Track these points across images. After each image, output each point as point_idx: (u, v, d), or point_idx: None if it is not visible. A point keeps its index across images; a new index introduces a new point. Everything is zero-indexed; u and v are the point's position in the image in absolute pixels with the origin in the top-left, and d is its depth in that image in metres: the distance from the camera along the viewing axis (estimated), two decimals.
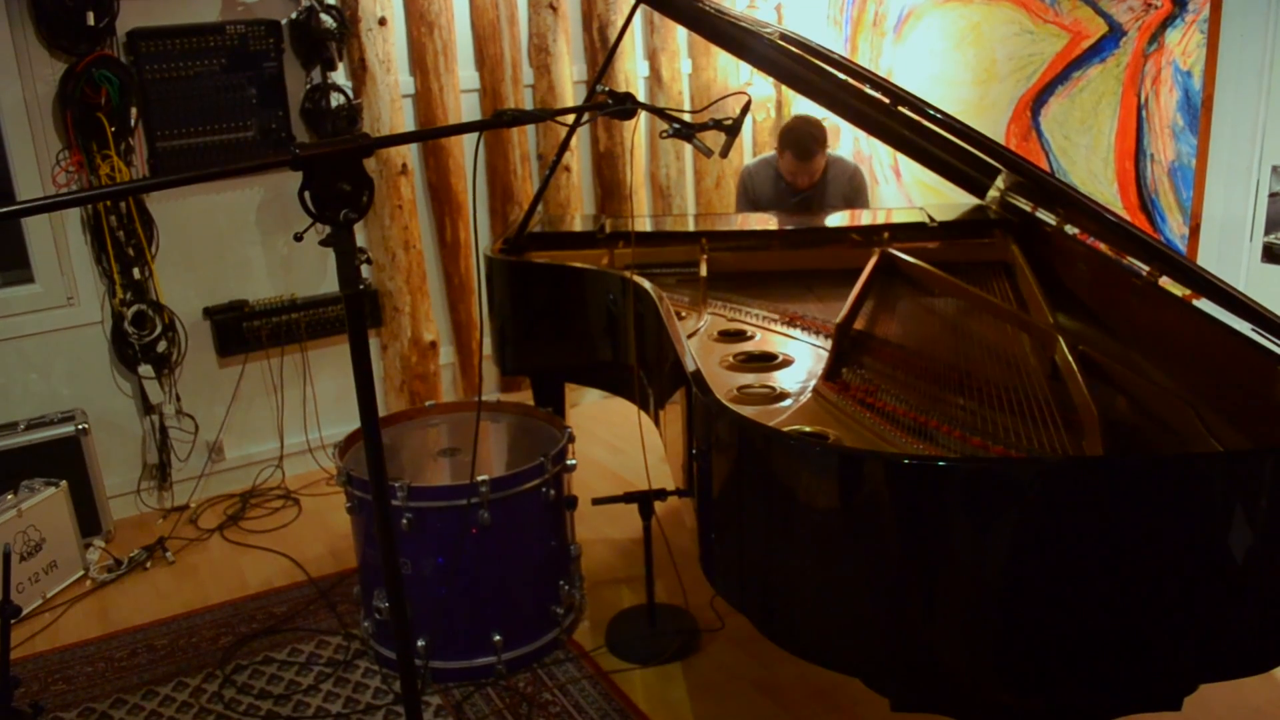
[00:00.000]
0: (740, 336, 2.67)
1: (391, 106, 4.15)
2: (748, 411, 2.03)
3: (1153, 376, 2.21)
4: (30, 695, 2.84)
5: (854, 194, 4.16)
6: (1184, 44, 3.31)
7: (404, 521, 2.71)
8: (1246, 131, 3.21)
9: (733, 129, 2.67)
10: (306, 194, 1.54)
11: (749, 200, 4.19)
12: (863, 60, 4.69)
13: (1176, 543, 1.63)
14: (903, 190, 4.64)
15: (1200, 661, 1.70)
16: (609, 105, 2.21)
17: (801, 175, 3.98)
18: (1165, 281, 2.37)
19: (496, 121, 1.82)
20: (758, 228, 3.49)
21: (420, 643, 2.79)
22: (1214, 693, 1.81)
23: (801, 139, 3.91)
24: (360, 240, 4.16)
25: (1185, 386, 2.13)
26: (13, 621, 2.43)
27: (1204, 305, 2.21)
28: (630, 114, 2.22)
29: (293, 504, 4.04)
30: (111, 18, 3.55)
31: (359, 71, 4.07)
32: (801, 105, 4.75)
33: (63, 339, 3.78)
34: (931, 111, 2.63)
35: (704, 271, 3.09)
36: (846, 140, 4.91)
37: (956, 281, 2.69)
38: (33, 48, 3.52)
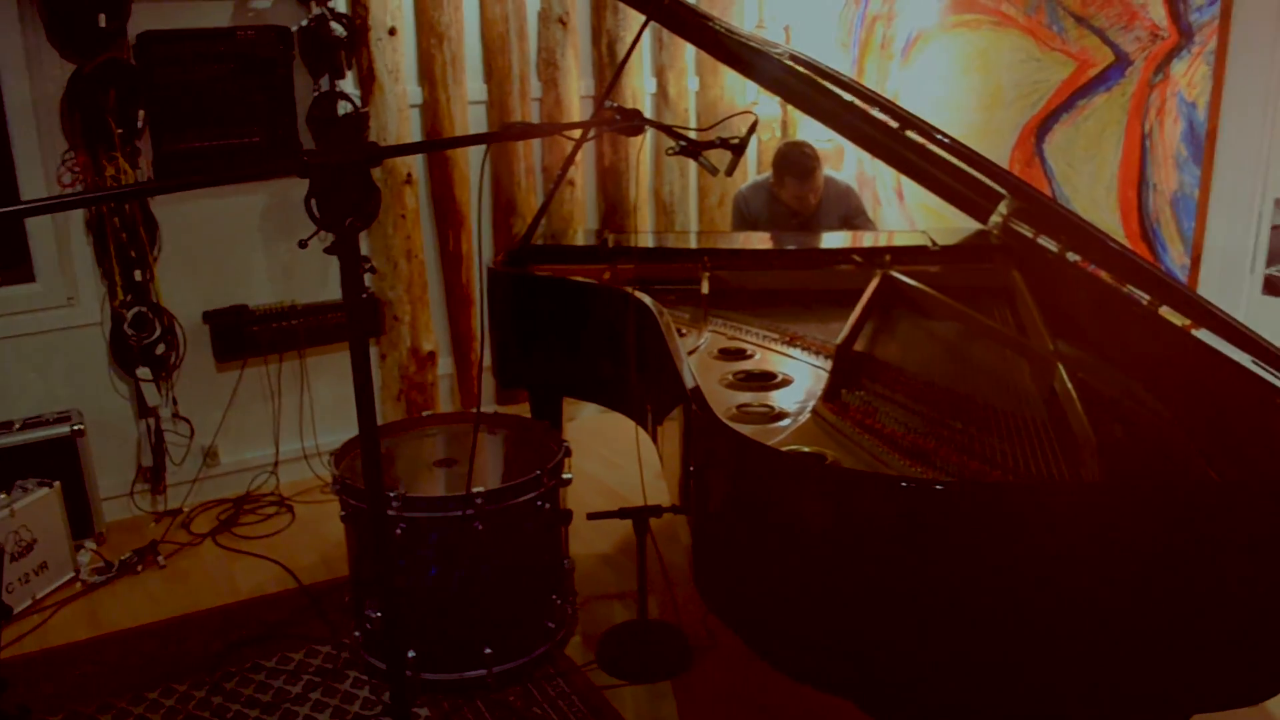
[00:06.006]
0: (740, 355, 2.67)
1: (399, 116, 4.16)
2: (746, 430, 2.02)
3: (1151, 405, 2.21)
4: (17, 697, 2.82)
5: (852, 213, 4.17)
6: (1190, 75, 3.32)
7: (398, 531, 2.70)
8: (1250, 164, 3.22)
9: (739, 148, 2.68)
10: (313, 201, 1.54)
11: (745, 224, 4.20)
12: (869, 83, 4.70)
13: (1171, 571, 1.62)
14: (905, 212, 4.65)
15: (1192, 692, 1.69)
16: (617, 121, 2.21)
17: (808, 195, 3.98)
18: (1165, 311, 2.37)
19: (505, 134, 1.83)
20: (760, 247, 3.49)
21: (411, 654, 2.77)
22: None
23: (798, 160, 3.93)
24: (362, 248, 4.15)
25: (1184, 416, 2.13)
26: (2, 622, 2.42)
27: (1204, 335, 2.22)
28: (638, 130, 2.23)
29: (286, 511, 4.03)
30: (123, 20, 3.56)
31: (367, 80, 4.08)
32: (808, 125, 4.77)
33: (61, 339, 3.78)
34: (939, 136, 2.64)
35: (705, 289, 3.09)
36: (850, 162, 4.93)
37: (957, 305, 2.69)
38: (43, 48, 3.53)
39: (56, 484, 3.45)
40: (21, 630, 3.19)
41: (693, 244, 3.67)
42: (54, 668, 2.99)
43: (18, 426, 3.58)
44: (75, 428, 3.62)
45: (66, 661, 3.02)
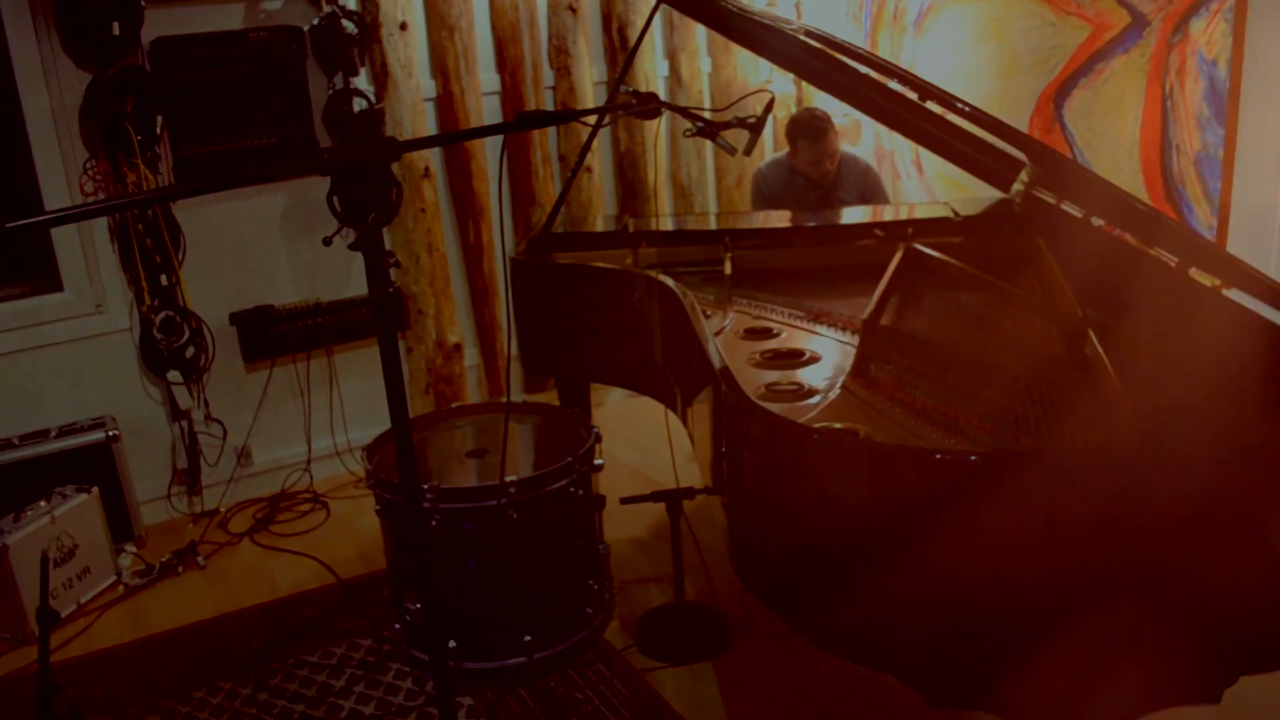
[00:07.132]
0: (766, 334, 2.67)
1: (413, 110, 4.17)
2: (776, 408, 2.02)
3: (1183, 367, 2.20)
4: (69, 700, 2.86)
5: (870, 192, 4.14)
6: (1209, 33, 3.28)
7: (433, 523, 2.73)
8: (1275, 121, 3.18)
9: (756, 127, 2.68)
10: (335, 198, 1.55)
11: (765, 201, 4.19)
12: (883, 56, 4.67)
13: (1213, 533, 1.61)
14: (925, 185, 4.62)
15: (1240, 653, 1.69)
16: (633, 105, 2.21)
17: (823, 160, 3.95)
18: (1195, 272, 2.35)
19: (521, 123, 1.82)
20: (781, 225, 3.48)
21: (451, 644, 2.80)
22: (1254, 685, 1.79)
23: (808, 122, 3.92)
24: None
25: (1217, 376, 2.11)
26: (50, 627, 2.46)
27: (1234, 295, 2.20)
28: (655, 113, 2.23)
29: (321, 507, 4.06)
30: (136, 27, 3.58)
31: (380, 76, 4.09)
32: (823, 101, 4.74)
33: (92, 346, 3.82)
34: (959, 104, 2.62)
35: (728, 270, 3.09)
36: (868, 136, 4.90)
37: (982, 275, 2.67)
38: (59, 58, 3.56)
39: (95, 489, 3.50)
40: (69, 634, 3.24)
41: (713, 225, 3.67)
42: (102, 670, 3.04)
43: (54, 434, 3.63)
44: (110, 433, 3.66)
45: (114, 663, 3.07)
